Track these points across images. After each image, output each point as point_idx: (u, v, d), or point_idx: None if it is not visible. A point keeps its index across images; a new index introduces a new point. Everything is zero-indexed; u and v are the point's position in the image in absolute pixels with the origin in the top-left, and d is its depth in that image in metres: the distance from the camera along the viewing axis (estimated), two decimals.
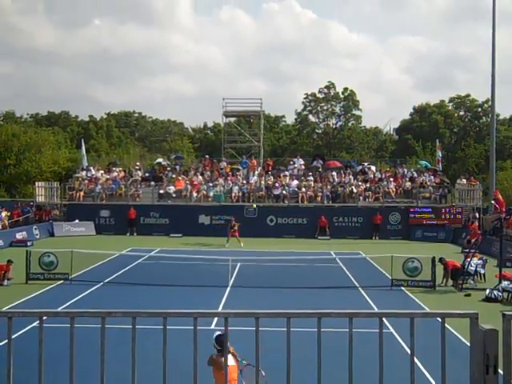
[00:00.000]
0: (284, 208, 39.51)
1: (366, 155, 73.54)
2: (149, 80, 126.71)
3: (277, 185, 40.23)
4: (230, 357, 7.84)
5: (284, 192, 39.82)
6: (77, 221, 38.44)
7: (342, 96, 77.84)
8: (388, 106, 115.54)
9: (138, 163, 47.78)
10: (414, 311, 3.89)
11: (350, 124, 79.26)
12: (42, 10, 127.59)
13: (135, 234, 38.23)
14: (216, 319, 13.46)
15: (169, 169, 43.75)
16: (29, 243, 30.95)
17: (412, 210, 38.50)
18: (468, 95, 78.02)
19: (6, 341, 3.83)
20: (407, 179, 41.37)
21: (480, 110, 77.33)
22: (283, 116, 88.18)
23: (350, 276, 22.86)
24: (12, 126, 65.56)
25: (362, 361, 7.58)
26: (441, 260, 20.97)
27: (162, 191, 40.38)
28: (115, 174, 42.96)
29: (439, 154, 45.80)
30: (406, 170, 43.47)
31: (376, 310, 15.84)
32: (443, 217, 38.00)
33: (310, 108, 79.03)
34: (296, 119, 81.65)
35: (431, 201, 39.63)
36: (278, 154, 72.86)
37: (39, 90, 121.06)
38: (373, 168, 44.23)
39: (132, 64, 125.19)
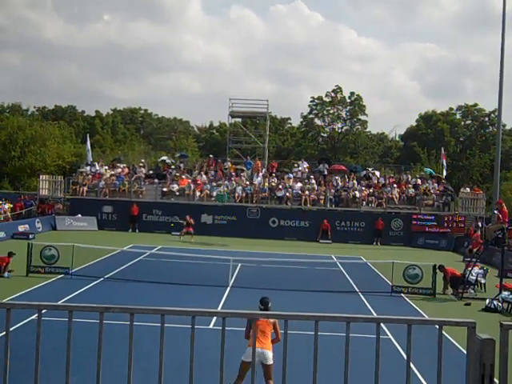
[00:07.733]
0: (287, 210, 39.53)
1: (371, 160, 73.47)
2: (156, 77, 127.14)
3: (280, 187, 40.23)
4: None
5: (287, 194, 39.83)
6: (79, 215, 38.48)
7: (348, 100, 77.77)
8: (395, 111, 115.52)
9: (142, 160, 47.87)
10: (412, 318, 3.90)
11: (355, 129, 79.15)
12: (51, 4, 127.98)
13: (137, 230, 38.27)
14: (214, 318, 13.48)
15: (173, 167, 43.82)
16: (31, 236, 30.95)
17: (414, 216, 38.45)
18: (475, 104, 77.85)
19: (4, 332, 3.84)
20: (411, 186, 41.33)
21: (487, 119, 77.19)
22: (289, 118, 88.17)
23: (350, 281, 22.83)
24: (18, 118, 65.64)
25: (359, 365, 7.58)
26: (440, 268, 20.92)
27: (165, 189, 40.40)
28: (119, 170, 43.00)
29: (444, 162, 45.71)
30: (409, 177, 43.46)
31: (375, 315, 15.80)
32: (445, 225, 37.96)
33: (316, 111, 78.93)
34: (302, 122, 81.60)
35: (434, 208, 39.58)
36: (282, 155, 72.82)
37: (46, 84, 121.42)
38: (377, 173, 44.22)
39: (140, 61, 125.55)
